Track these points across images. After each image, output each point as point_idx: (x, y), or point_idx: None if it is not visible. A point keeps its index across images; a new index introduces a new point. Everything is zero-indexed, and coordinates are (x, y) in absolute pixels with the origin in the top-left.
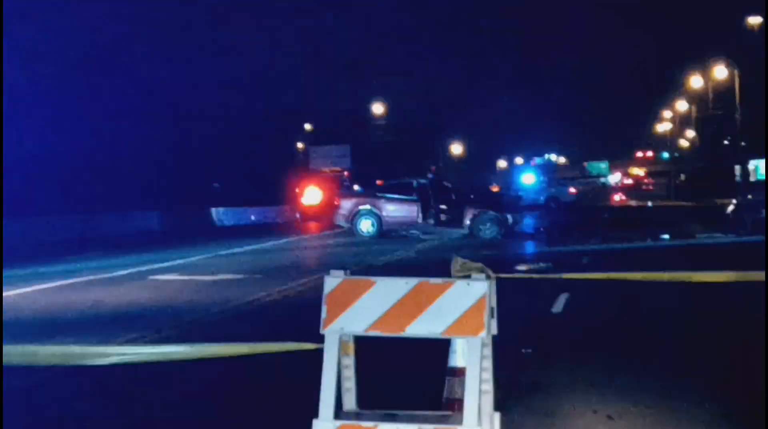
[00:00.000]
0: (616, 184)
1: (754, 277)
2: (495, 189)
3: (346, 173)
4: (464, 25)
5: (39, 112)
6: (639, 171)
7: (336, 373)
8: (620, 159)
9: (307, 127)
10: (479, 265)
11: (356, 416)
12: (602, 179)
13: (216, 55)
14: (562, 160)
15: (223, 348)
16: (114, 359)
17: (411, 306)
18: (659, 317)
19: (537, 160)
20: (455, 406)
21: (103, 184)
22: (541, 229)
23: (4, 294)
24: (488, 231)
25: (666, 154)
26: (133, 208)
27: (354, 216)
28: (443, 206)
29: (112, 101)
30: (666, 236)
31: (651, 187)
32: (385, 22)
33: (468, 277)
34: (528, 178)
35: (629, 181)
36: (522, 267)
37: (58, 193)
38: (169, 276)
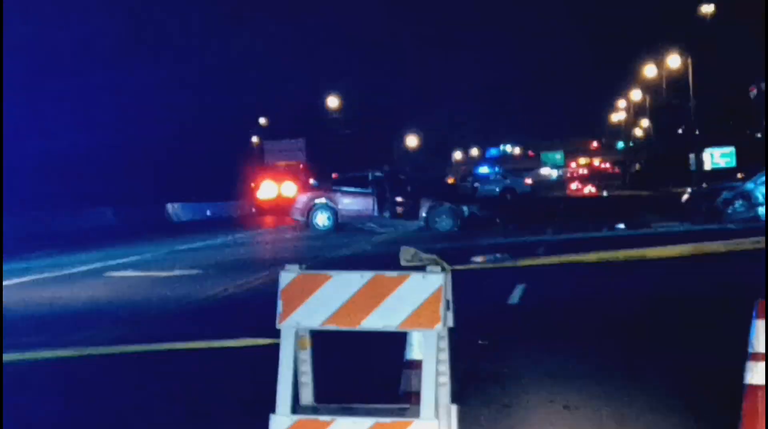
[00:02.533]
0: (565, 175)
1: (707, 249)
2: (450, 181)
3: (300, 166)
4: (419, 17)
5: None
6: (595, 161)
7: (292, 368)
8: (575, 149)
9: (262, 121)
10: (433, 256)
11: (313, 410)
12: (552, 174)
13: (169, 51)
14: (517, 150)
15: (179, 344)
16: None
17: (367, 299)
18: (616, 306)
19: (492, 151)
20: (412, 398)
21: (55, 180)
22: (497, 220)
23: None
24: (444, 223)
25: (621, 144)
26: (86, 205)
27: (310, 210)
28: (399, 199)
29: (64, 99)
30: (621, 226)
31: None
32: (339, 14)
33: (423, 268)
34: (483, 170)
35: (584, 172)
36: (478, 258)
37: (8, 190)
38: (125, 272)
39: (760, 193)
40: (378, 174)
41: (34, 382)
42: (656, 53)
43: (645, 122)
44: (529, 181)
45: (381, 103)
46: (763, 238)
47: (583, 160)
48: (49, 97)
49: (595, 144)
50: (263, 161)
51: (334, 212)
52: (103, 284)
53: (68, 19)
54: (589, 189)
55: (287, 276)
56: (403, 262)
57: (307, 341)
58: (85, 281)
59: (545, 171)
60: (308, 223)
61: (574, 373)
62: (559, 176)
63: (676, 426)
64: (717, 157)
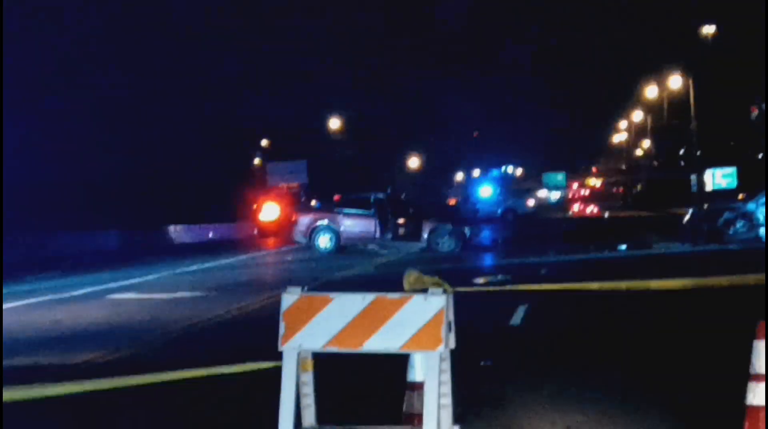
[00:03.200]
0: (566, 196)
1: (710, 283)
2: (452, 202)
3: (302, 188)
4: (421, 39)
5: None
6: (596, 182)
7: (295, 390)
8: (578, 170)
9: (264, 142)
10: (435, 278)
11: None
12: (552, 196)
13: (172, 74)
14: (519, 172)
15: (181, 373)
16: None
17: (369, 321)
18: (618, 328)
19: (493, 172)
20: (414, 420)
21: (58, 202)
22: (499, 241)
23: None
24: (446, 244)
25: (622, 165)
26: (89, 227)
27: (312, 231)
28: (401, 220)
29: (67, 121)
30: (623, 247)
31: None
32: (341, 35)
33: (425, 291)
34: (485, 191)
35: (586, 192)
36: (480, 280)
37: (12, 212)
38: (128, 295)
39: (761, 214)
40: (380, 195)
41: (36, 413)
42: (658, 74)
43: (646, 143)
44: (531, 202)
45: (383, 124)
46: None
47: (584, 181)
48: (55, 120)
49: (596, 165)
50: (265, 183)
51: (337, 234)
52: (106, 306)
53: (73, 41)
54: (591, 209)
55: (289, 298)
56: (406, 287)
57: (310, 363)
58: (87, 303)
59: (543, 193)
60: (310, 245)
61: (575, 396)
62: (560, 198)
63: None
64: (718, 178)
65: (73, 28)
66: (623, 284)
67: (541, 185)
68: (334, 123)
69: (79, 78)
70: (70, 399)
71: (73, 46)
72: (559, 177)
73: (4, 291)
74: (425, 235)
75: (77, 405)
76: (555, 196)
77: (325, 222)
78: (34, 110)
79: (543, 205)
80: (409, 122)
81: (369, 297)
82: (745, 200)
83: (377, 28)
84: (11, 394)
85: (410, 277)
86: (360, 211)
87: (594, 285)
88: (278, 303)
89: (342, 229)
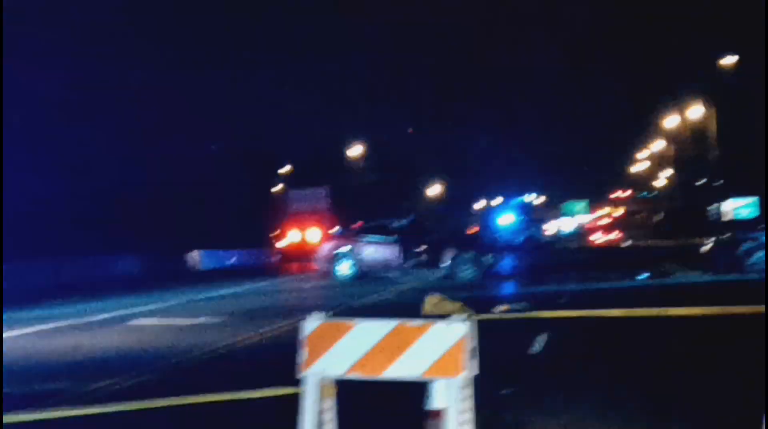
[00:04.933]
0: (585, 225)
1: (727, 312)
2: (473, 230)
3: (324, 215)
4: (442, 66)
5: (10, 153)
6: (617, 211)
7: (315, 417)
8: (599, 198)
9: (286, 169)
10: (459, 304)
11: None
12: (565, 227)
13: (192, 98)
14: (540, 200)
15: (200, 398)
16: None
17: (390, 348)
18: (639, 355)
19: (515, 201)
20: None
21: (80, 227)
22: (520, 269)
23: None
24: (467, 272)
25: (643, 194)
26: (111, 252)
27: (333, 258)
28: (422, 247)
29: (89, 144)
30: (642, 276)
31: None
32: (362, 62)
33: (445, 317)
34: (506, 219)
35: (607, 221)
36: (500, 307)
37: (33, 236)
38: (149, 320)
39: None
40: (401, 222)
41: None
42: (678, 104)
43: (667, 172)
44: (548, 231)
45: (404, 151)
46: None
47: (605, 210)
48: (75, 143)
49: (617, 193)
50: (287, 209)
51: (358, 261)
52: (127, 332)
53: (87, 64)
54: (611, 238)
55: (311, 324)
56: (426, 310)
57: (333, 390)
58: (108, 329)
59: (554, 224)
60: (331, 272)
61: (595, 424)
62: (577, 228)
63: None
64: (739, 207)
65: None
66: (642, 311)
67: (557, 214)
68: (356, 149)
69: (99, 98)
70: (84, 421)
71: (94, 69)
72: (579, 205)
73: (25, 315)
74: (446, 263)
75: (91, 426)
76: (570, 226)
77: (347, 248)
78: (53, 133)
79: (556, 237)
80: (430, 149)
81: (391, 323)
82: (763, 230)
83: (399, 52)
84: (21, 417)
85: (431, 301)
86: (381, 238)
87: (614, 312)
88: (299, 329)
89: (363, 256)
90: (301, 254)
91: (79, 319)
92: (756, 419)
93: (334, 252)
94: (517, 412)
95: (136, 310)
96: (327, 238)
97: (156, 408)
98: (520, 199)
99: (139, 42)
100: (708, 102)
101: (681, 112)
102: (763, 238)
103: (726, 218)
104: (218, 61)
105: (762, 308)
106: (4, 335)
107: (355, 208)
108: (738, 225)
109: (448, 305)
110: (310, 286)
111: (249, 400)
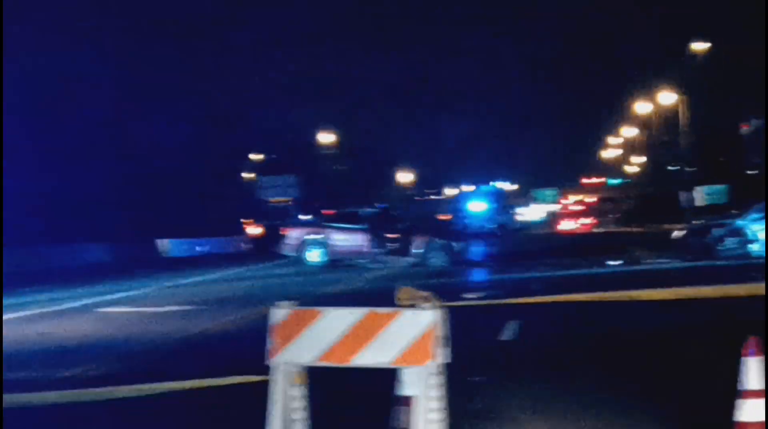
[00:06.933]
0: (556, 212)
1: (690, 294)
2: (446, 217)
3: (293, 202)
4: (413, 55)
5: None
6: (589, 198)
7: (282, 404)
8: (570, 185)
9: (257, 157)
10: (427, 293)
11: None
12: (536, 214)
13: (162, 88)
14: (511, 187)
15: (168, 385)
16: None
17: (359, 336)
18: (609, 341)
19: (486, 188)
20: None
21: (48, 216)
22: (490, 256)
23: None
24: (437, 259)
25: (615, 180)
26: (80, 241)
27: (302, 246)
28: (391, 235)
29: (59, 135)
30: (614, 262)
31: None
32: (334, 51)
33: (414, 306)
34: (477, 206)
35: (577, 208)
36: (470, 295)
37: (1, 226)
38: (117, 308)
39: (749, 230)
40: (371, 210)
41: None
42: (649, 90)
43: (638, 159)
44: (519, 217)
45: (375, 139)
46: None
47: (575, 197)
48: (43, 134)
49: (586, 180)
50: (256, 197)
51: (327, 248)
52: (95, 320)
53: (65, 55)
54: (581, 224)
55: (278, 312)
56: (398, 301)
57: (303, 377)
58: (76, 317)
59: (525, 210)
60: (300, 259)
61: (568, 409)
62: (548, 215)
63: None
64: (707, 194)
65: (67, 32)
66: (610, 295)
67: (529, 201)
68: (327, 137)
69: (71, 87)
70: (53, 408)
71: (69, 62)
72: (549, 192)
73: None
74: (416, 250)
75: (60, 414)
76: (540, 213)
77: (316, 236)
78: (22, 120)
79: (527, 223)
80: (401, 137)
81: (359, 311)
82: (734, 216)
83: (370, 42)
84: None
85: (402, 292)
86: (351, 226)
87: (582, 296)
88: (267, 317)
89: (332, 243)
90: (270, 242)
91: (49, 307)
92: (729, 396)
93: (305, 239)
94: (487, 398)
95: (104, 298)
96: (296, 225)
97: (126, 396)
98: (491, 186)
99: (107, 30)
100: (679, 88)
101: (652, 98)
102: (733, 224)
103: (697, 204)
104: (187, 52)
105: (726, 290)
106: None
107: (326, 195)
108: (709, 211)
109: (418, 295)
110: (278, 274)
111: (220, 387)
